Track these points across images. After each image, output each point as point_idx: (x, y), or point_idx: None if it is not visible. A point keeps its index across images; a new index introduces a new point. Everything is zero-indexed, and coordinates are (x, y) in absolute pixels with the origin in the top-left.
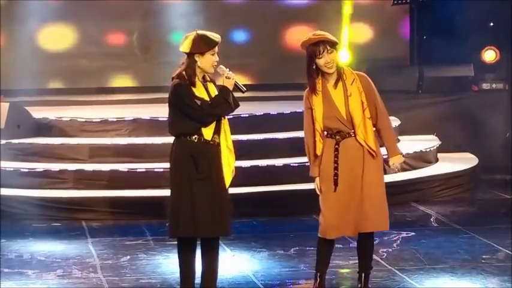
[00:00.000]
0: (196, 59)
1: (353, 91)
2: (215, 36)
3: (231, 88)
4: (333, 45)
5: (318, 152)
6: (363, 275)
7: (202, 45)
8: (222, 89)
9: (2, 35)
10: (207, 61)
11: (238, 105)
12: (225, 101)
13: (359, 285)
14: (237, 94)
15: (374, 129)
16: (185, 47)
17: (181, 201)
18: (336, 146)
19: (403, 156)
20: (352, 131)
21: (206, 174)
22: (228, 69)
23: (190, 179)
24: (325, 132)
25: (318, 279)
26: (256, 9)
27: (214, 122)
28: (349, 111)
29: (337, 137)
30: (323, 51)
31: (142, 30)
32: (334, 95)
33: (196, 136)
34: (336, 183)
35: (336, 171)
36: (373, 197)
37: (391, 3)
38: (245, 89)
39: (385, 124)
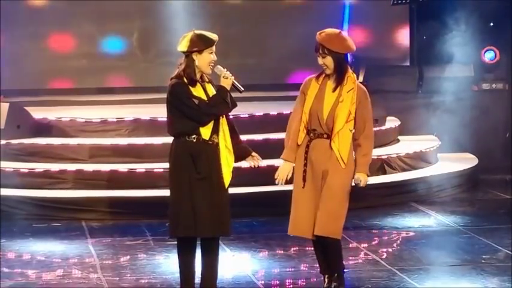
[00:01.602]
0: (194, 57)
1: (346, 99)
2: (212, 35)
3: (228, 88)
4: (329, 51)
5: (299, 142)
6: (336, 274)
7: (200, 43)
8: (220, 89)
9: (2, 35)
10: (204, 60)
11: (235, 105)
12: (222, 100)
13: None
14: (236, 94)
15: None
16: (183, 46)
17: (181, 201)
18: (308, 143)
19: (368, 169)
20: (327, 134)
21: (205, 174)
22: (225, 69)
23: (189, 178)
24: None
25: (326, 280)
26: (256, 9)
27: (212, 122)
28: (334, 116)
29: (311, 135)
30: (318, 51)
31: (142, 30)
32: (327, 95)
33: (194, 136)
34: (304, 179)
35: (305, 167)
36: (328, 201)
37: (391, 3)
38: (243, 89)
39: (367, 144)
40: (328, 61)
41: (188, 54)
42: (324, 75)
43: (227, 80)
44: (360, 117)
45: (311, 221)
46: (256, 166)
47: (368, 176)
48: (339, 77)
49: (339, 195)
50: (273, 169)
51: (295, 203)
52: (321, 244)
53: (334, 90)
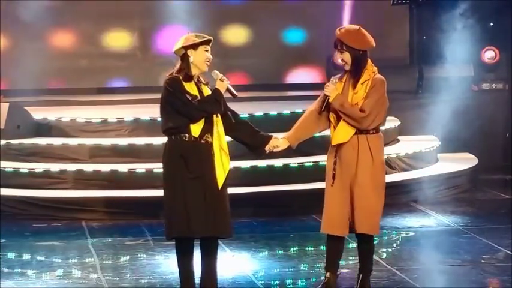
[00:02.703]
0: (190, 54)
1: (359, 91)
2: (207, 36)
3: (223, 91)
4: (347, 47)
5: (334, 142)
6: (360, 276)
7: (194, 39)
8: (214, 90)
9: (2, 35)
10: (200, 56)
11: (228, 109)
12: (215, 100)
13: (355, 286)
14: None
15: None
16: (178, 44)
17: (174, 201)
18: None
19: (338, 104)
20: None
21: (198, 173)
22: (222, 75)
23: (182, 179)
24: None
25: (325, 279)
26: (256, 9)
27: (204, 120)
28: None
29: None
30: (336, 47)
31: (142, 30)
32: (350, 92)
33: (186, 135)
34: (333, 177)
35: (334, 165)
36: (361, 199)
37: (391, 3)
38: (237, 95)
39: (356, 107)
40: (347, 57)
41: (183, 52)
42: (346, 73)
43: (223, 83)
44: (366, 97)
45: (344, 218)
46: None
47: (337, 103)
48: (356, 73)
49: (371, 192)
50: (273, 169)
51: (327, 201)
52: (340, 242)
53: (354, 86)
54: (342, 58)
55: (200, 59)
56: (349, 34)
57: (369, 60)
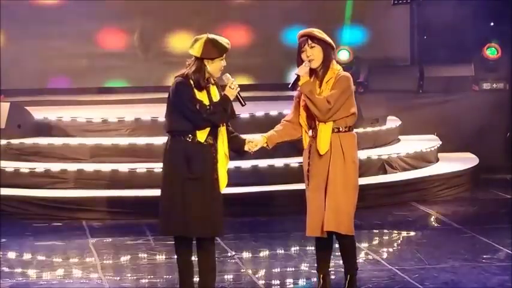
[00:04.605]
0: (206, 63)
1: (324, 89)
2: (226, 42)
3: (232, 98)
4: (318, 41)
5: (305, 146)
6: (348, 276)
7: (213, 51)
8: (223, 98)
9: (2, 35)
10: (215, 66)
11: (234, 116)
12: (223, 110)
13: (343, 286)
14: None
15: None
16: (196, 50)
17: (174, 200)
18: (311, 143)
19: (308, 89)
20: None
21: (199, 174)
22: (233, 79)
23: (182, 178)
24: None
25: (321, 281)
26: (257, 9)
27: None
28: None
29: (312, 133)
30: (304, 45)
31: (142, 30)
32: (317, 91)
33: (190, 136)
34: (308, 178)
35: (308, 166)
36: (331, 197)
37: (392, 3)
38: (245, 103)
39: (321, 97)
40: (317, 51)
41: (200, 59)
42: (312, 76)
43: (232, 90)
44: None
45: (322, 219)
46: (252, 150)
47: (306, 88)
48: (324, 70)
49: (341, 190)
50: (273, 169)
51: (307, 204)
52: (325, 242)
53: (320, 85)
54: (312, 53)
55: (216, 68)
56: (316, 30)
57: (334, 61)
